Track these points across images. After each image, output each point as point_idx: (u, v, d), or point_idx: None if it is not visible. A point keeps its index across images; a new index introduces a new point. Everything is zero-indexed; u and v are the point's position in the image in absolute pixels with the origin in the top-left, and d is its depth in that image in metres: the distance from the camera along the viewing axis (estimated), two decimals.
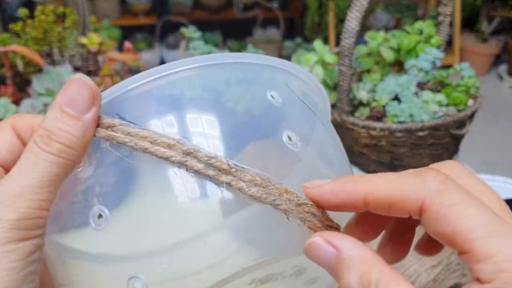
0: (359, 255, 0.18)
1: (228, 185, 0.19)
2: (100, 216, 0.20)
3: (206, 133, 0.20)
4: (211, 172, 0.19)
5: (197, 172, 0.19)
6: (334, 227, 0.20)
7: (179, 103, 0.21)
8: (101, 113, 0.20)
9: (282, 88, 0.23)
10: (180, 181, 0.20)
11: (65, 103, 0.19)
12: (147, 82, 0.21)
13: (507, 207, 0.19)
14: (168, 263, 0.19)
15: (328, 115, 0.26)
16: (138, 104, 0.21)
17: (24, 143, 0.21)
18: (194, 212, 0.20)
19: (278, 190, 0.19)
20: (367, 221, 0.21)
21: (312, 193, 0.19)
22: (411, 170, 0.19)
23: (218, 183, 0.19)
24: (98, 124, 0.20)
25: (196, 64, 0.21)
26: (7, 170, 0.20)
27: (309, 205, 0.19)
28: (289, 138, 0.21)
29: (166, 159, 0.19)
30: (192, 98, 0.21)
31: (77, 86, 0.20)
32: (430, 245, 0.23)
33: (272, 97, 0.22)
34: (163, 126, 0.20)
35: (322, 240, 0.18)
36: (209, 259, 0.19)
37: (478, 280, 0.17)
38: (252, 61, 0.23)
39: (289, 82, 0.24)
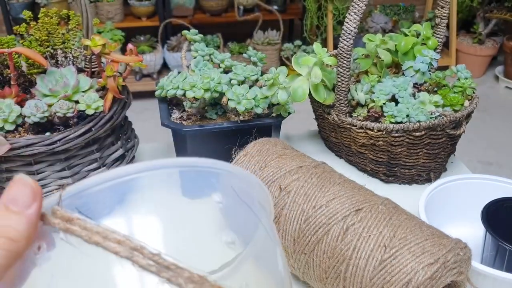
0: None
1: (168, 280, 0.21)
2: None
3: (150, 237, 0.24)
4: (153, 268, 0.21)
5: (142, 267, 0.21)
6: None
7: (132, 205, 0.25)
8: (63, 206, 0.23)
9: (226, 190, 0.26)
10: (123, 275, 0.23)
11: (8, 201, 0.22)
12: (106, 182, 0.24)
13: None
14: None
15: (271, 216, 0.26)
16: (96, 200, 0.24)
17: None
18: None
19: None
20: None
21: None
22: None
23: (160, 277, 0.21)
24: (56, 216, 0.22)
25: (149, 170, 0.25)
26: None
27: None
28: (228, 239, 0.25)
29: (115, 253, 0.21)
30: (144, 207, 0.25)
31: (18, 185, 0.22)
32: None
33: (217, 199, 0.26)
34: (116, 222, 0.24)
35: None
36: None
37: None
38: (202, 166, 0.26)
39: (234, 185, 0.26)
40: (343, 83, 0.67)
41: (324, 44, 2.38)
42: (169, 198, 0.27)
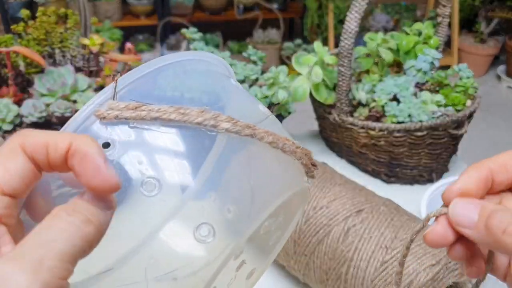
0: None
1: (254, 134, 0.23)
2: None
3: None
4: (238, 127, 0.23)
5: (227, 130, 0.23)
6: (316, 165, 0.27)
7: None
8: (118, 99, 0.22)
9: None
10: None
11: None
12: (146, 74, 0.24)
13: None
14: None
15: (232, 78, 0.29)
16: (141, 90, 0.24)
17: (37, 166, 0.20)
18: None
19: (282, 139, 0.25)
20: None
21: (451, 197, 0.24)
22: None
23: (242, 135, 0.23)
24: (128, 107, 0.22)
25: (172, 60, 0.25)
26: (20, 197, 0.20)
27: (301, 148, 0.26)
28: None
29: (200, 124, 0.22)
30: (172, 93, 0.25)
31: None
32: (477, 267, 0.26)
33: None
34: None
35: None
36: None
37: None
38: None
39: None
40: (344, 83, 0.67)
41: (325, 43, 2.38)
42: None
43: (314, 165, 0.27)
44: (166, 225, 0.21)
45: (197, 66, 0.26)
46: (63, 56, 0.68)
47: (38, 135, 0.20)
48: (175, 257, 0.22)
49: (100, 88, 0.65)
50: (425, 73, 0.73)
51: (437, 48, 0.76)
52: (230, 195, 0.23)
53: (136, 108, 0.22)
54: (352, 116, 0.70)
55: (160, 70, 0.24)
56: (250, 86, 0.66)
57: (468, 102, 0.70)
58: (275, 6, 2.51)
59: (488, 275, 0.26)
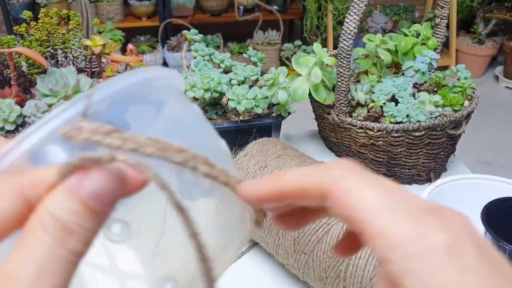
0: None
1: (228, 182, 0.21)
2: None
3: None
4: (216, 173, 0.21)
5: (205, 175, 0.21)
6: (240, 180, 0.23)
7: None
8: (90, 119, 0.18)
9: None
10: None
11: (89, 195, 0.17)
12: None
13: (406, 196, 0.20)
14: None
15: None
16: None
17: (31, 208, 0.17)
18: None
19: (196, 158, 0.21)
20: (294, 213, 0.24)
21: (248, 195, 0.22)
22: (325, 163, 0.22)
23: (218, 182, 0.21)
24: (96, 132, 0.18)
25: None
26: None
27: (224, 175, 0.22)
28: None
29: (178, 163, 0.19)
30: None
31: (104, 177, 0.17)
32: (346, 246, 0.25)
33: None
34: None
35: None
36: None
37: (382, 262, 0.18)
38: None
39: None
40: (343, 83, 0.67)
41: (324, 44, 2.38)
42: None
43: (265, 214, 0.24)
44: None
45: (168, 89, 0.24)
46: (65, 57, 0.69)
47: (34, 176, 0.17)
48: None
49: None
50: (423, 73, 0.73)
51: (435, 49, 0.77)
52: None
53: (110, 133, 0.18)
54: (351, 116, 0.71)
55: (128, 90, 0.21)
56: (250, 86, 0.67)
57: (466, 103, 0.70)
58: (275, 7, 2.51)
59: None
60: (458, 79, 0.73)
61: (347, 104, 0.70)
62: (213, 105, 0.70)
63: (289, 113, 0.69)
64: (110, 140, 0.18)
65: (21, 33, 0.69)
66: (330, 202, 0.20)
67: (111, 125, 0.18)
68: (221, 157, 0.25)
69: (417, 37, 0.78)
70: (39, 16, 0.68)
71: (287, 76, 0.68)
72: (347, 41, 0.64)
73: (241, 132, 0.64)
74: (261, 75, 0.69)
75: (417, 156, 0.70)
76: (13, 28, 0.72)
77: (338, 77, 0.67)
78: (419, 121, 0.65)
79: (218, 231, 0.25)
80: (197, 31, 0.74)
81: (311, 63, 0.70)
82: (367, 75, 0.75)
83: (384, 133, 0.66)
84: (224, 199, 0.23)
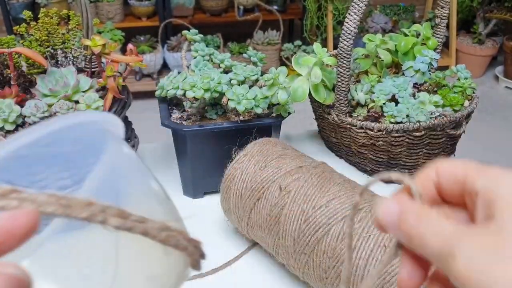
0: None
1: (147, 232, 0.20)
2: None
3: None
4: (130, 224, 0.20)
5: (117, 228, 0.19)
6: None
7: None
8: None
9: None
10: None
11: None
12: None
13: None
14: None
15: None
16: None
17: None
18: None
19: (175, 234, 0.21)
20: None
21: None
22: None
23: (134, 233, 0.20)
24: None
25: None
26: None
27: (193, 240, 0.22)
28: None
29: (85, 219, 0.19)
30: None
31: None
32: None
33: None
34: None
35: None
36: None
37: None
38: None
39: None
40: (343, 83, 0.67)
41: (324, 44, 2.38)
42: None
43: (202, 256, 0.23)
44: None
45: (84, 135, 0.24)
46: (65, 57, 0.69)
47: None
48: None
49: (102, 89, 0.65)
50: (423, 73, 0.73)
51: (435, 49, 0.77)
52: None
53: (5, 194, 0.17)
54: (351, 116, 0.71)
55: (50, 137, 0.21)
56: (250, 86, 0.67)
57: (466, 103, 0.70)
58: (275, 7, 2.51)
59: None
60: (458, 79, 0.73)
61: (347, 104, 0.70)
62: (213, 105, 0.70)
63: (289, 113, 0.69)
64: (6, 202, 0.17)
65: (21, 33, 0.69)
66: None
67: (9, 185, 0.17)
68: (154, 200, 0.24)
69: (417, 37, 0.78)
70: (39, 16, 0.68)
71: (287, 76, 0.68)
72: (347, 41, 0.64)
73: (241, 132, 0.64)
74: (261, 75, 0.69)
75: (417, 156, 0.70)
76: (13, 28, 0.72)
77: (338, 77, 0.67)
78: (419, 121, 0.65)
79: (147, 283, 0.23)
80: (197, 31, 0.74)
81: (311, 63, 0.70)
82: (367, 75, 0.75)
83: (384, 133, 0.66)
84: (147, 250, 0.22)
